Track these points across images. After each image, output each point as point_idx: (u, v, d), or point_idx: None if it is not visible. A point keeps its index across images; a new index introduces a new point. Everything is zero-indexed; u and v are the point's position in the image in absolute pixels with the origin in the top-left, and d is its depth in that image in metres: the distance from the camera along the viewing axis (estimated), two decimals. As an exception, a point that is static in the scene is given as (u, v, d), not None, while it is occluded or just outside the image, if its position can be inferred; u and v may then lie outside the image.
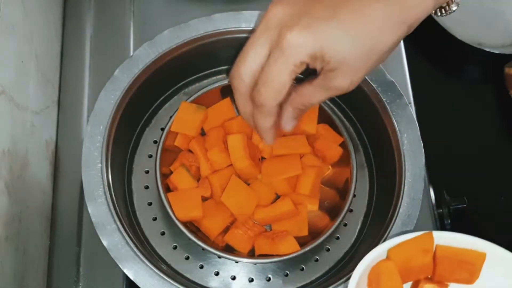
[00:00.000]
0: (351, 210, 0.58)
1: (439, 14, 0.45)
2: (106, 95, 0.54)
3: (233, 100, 0.58)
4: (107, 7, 0.68)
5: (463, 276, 0.47)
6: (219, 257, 0.55)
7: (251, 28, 0.57)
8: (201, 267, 0.55)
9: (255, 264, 0.55)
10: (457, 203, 0.59)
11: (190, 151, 0.57)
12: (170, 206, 0.53)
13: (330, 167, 0.59)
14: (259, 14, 0.57)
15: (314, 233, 0.55)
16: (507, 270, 0.47)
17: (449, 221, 0.59)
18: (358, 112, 0.60)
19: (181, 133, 0.56)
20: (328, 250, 0.56)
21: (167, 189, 0.55)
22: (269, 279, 0.55)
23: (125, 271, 0.48)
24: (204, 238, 0.54)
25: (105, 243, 0.49)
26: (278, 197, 0.56)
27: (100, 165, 0.51)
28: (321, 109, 0.58)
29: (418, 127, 0.54)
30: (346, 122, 0.61)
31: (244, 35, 0.57)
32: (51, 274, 0.56)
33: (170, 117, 0.58)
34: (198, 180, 0.56)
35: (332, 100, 0.61)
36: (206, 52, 0.58)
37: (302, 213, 0.55)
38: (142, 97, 0.56)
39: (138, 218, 0.56)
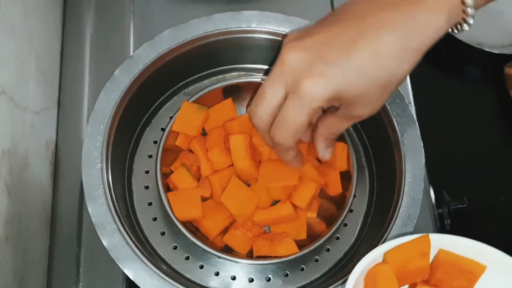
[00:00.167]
0: (351, 210, 0.57)
1: (455, 31, 0.42)
2: (106, 95, 0.54)
3: (235, 101, 0.58)
4: (107, 7, 0.68)
5: (461, 283, 0.46)
6: (219, 257, 0.55)
7: (251, 28, 0.57)
8: (201, 267, 0.55)
9: (255, 264, 0.55)
10: (457, 203, 0.59)
11: (191, 151, 0.57)
12: (170, 206, 0.53)
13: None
14: (259, 14, 0.57)
15: (312, 236, 0.54)
16: (507, 275, 0.46)
17: (449, 221, 0.59)
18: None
19: (182, 132, 0.56)
20: (328, 250, 0.56)
21: (167, 189, 0.55)
22: (269, 279, 0.55)
23: (125, 271, 0.48)
24: (203, 238, 0.54)
25: (105, 243, 0.49)
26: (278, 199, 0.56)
27: (100, 165, 0.51)
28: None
29: (418, 127, 0.54)
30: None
31: (244, 35, 0.57)
32: (51, 274, 0.56)
33: (171, 117, 0.58)
34: (198, 180, 0.56)
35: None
36: (206, 52, 0.58)
37: (301, 217, 0.55)
38: (142, 97, 0.56)
39: (138, 218, 0.56)
